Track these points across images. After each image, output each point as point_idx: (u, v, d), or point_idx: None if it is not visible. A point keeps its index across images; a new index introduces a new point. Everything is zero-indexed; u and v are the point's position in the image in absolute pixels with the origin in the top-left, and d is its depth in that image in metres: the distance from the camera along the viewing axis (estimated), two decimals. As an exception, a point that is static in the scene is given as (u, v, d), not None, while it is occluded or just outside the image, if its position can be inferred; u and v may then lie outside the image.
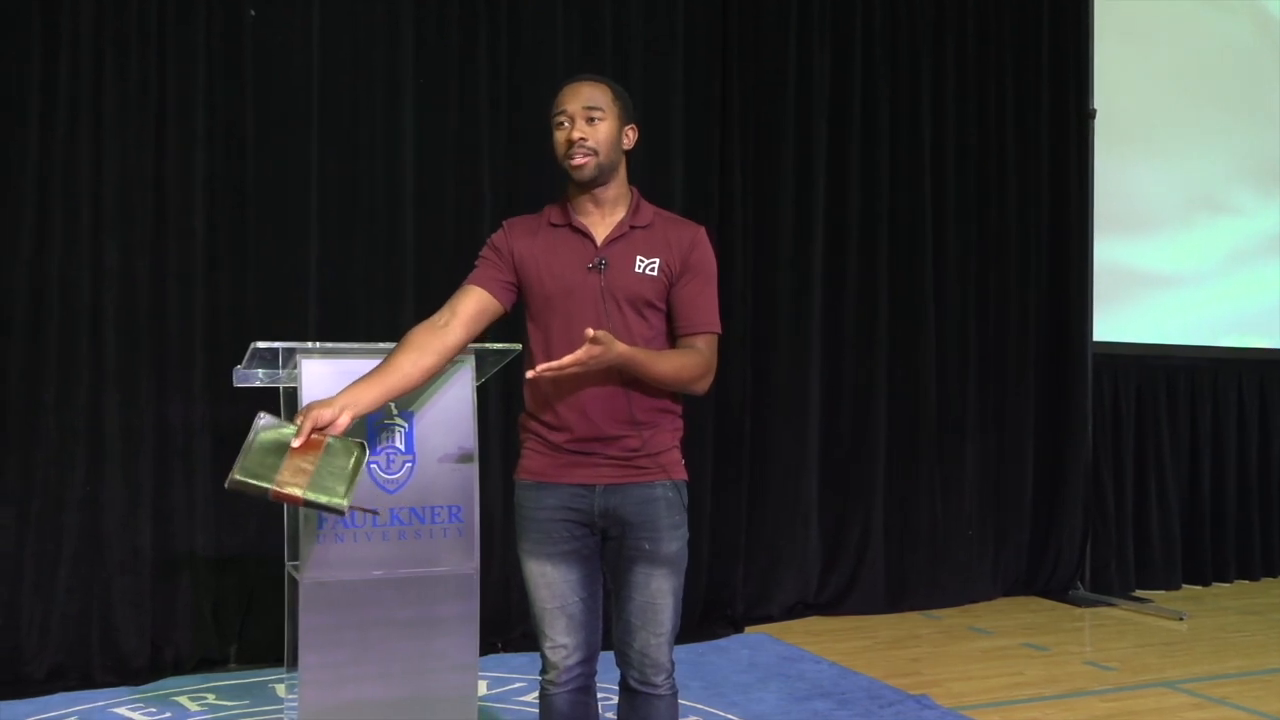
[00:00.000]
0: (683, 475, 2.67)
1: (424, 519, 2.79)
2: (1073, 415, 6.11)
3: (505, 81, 4.94)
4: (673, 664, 2.68)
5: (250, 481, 2.35)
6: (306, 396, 2.69)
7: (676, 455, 2.67)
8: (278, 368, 2.87)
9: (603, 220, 2.65)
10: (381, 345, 2.84)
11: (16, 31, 4.25)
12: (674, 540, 2.62)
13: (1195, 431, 6.61)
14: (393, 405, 2.75)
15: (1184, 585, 6.48)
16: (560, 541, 2.62)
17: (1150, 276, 6.49)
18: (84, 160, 4.32)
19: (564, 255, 2.62)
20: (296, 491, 2.37)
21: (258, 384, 2.98)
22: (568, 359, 2.40)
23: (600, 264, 2.58)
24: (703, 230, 2.71)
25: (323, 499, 2.39)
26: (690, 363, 2.59)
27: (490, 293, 2.67)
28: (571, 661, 2.67)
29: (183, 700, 4.12)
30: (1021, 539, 6.08)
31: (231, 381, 3.01)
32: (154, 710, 4.00)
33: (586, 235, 2.62)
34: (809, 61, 5.54)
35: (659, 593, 2.61)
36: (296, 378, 2.75)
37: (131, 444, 4.36)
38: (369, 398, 2.52)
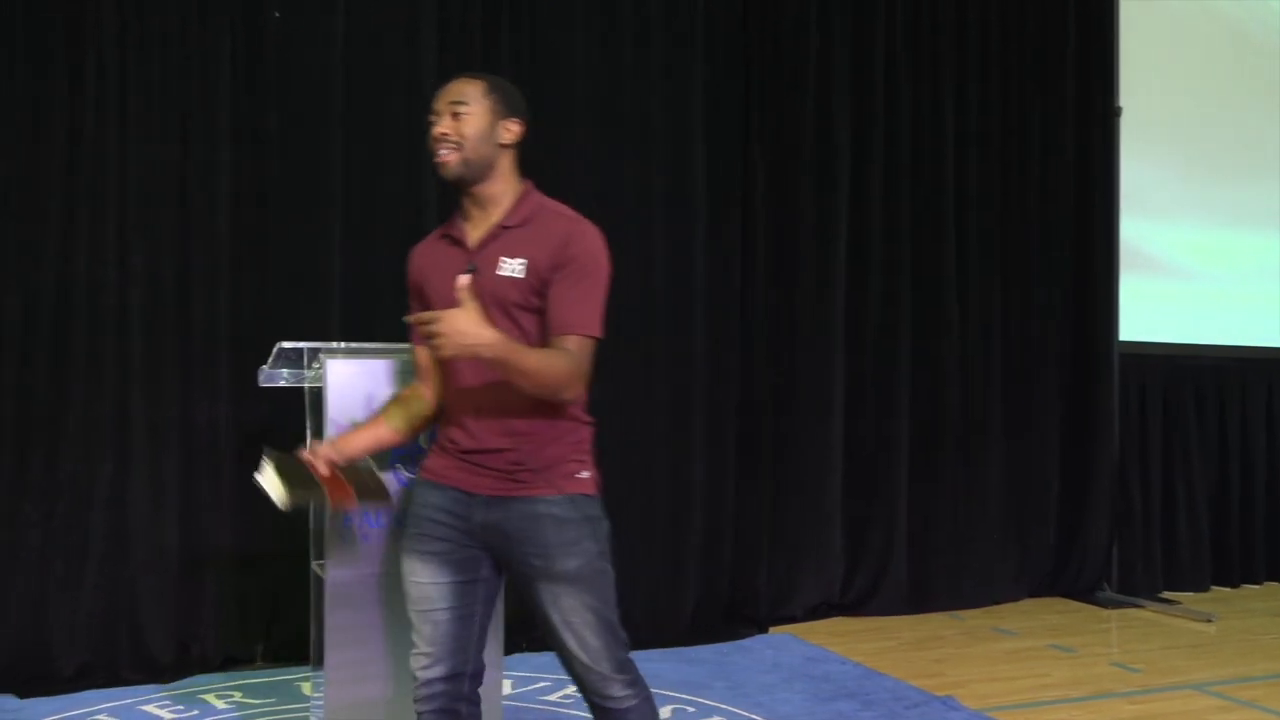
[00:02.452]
0: (578, 488, 2.49)
1: (449, 518, 2.79)
2: (1098, 415, 6.07)
3: (527, 82, 4.94)
4: (631, 675, 2.52)
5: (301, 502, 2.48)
6: (331, 396, 2.71)
7: (571, 468, 2.49)
8: (302, 367, 2.89)
9: (483, 222, 2.52)
10: (404, 345, 2.85)
11: (41, 34, 4.29)
12: (570, 557, 2.45)
13: (1224, 431, 6.55)
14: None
15: (1212, 587, 6.42)
16: (433, 541, 2.49)
17: (1177, 274, 6.44)
18: (110, 161, 4.35)
19: (443, 267, 2.52)
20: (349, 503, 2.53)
21: (282, 384, 3.00)
22: (434, 314, 2.31)
23: (470, 269, 2.44)
24: (584, 225, 2.52)
25: (371, 501, 2.57)
26: (554, 364, 2.38)
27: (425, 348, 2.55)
28: (431, 675, 2.50)
29: (210, 698, 4.14)
30: (1047, 540, 6.05)
31: (256, 381, 3.03)
32: (182, 708, 4.03)
33: (459, 242, 2.52)
34: (830, 57, 5.52)
35: (571, 611, 2.46)
36: (321, 377, 2.76)
37: (157, 443, 4.39)
38: (359, 444, 2.60)
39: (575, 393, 2.45)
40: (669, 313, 5.10)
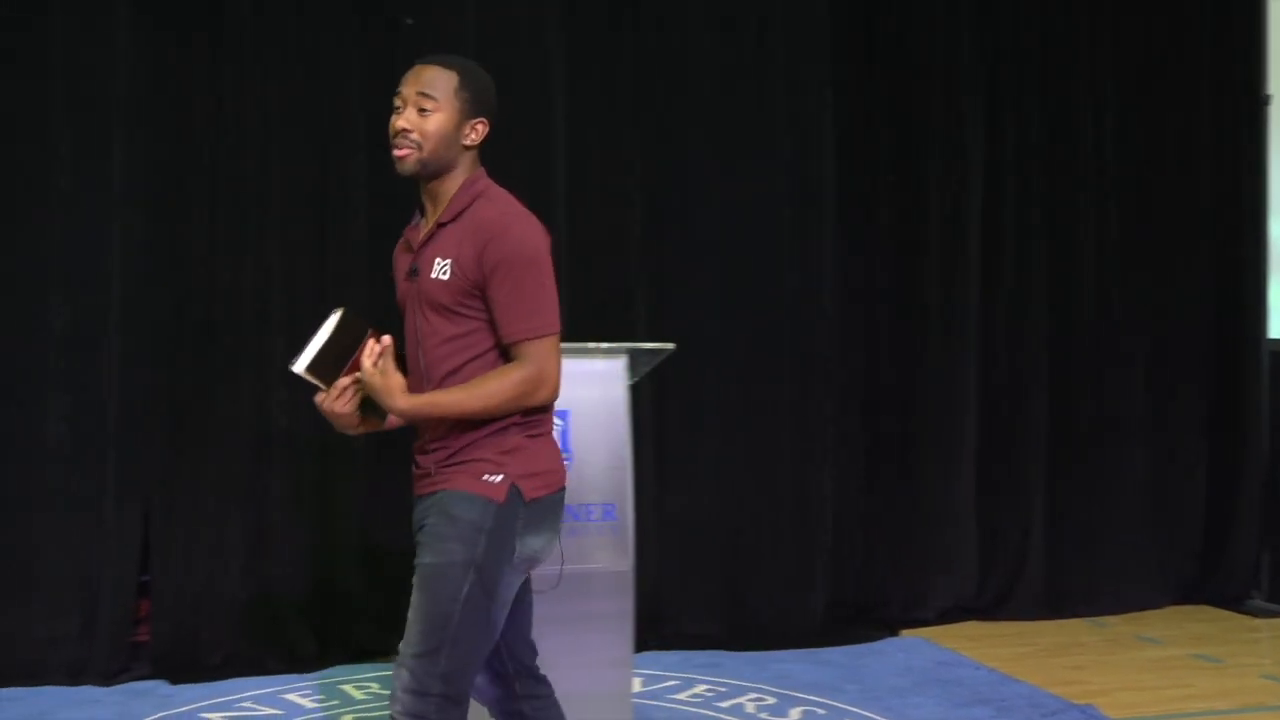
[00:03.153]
0: (482, 490, 2.30)
1: (579, 516, 2.83)
2: (1246, 414, 5.82)
3: (649, 81, 4.96)
4: (417, 694, 2.28)
5: (311, 379, 2.33)
6: (465, 395, 2.75)
7: (483, 468, 2.32)
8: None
9: (432, 217, 2.44)
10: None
11: (185, 48, 4.46)
12: (429, 552, 2.32)
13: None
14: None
15: (1371, 595, 6.12)
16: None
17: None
18: (250, 168, 4.51)
19: (398, 267, 2.50)
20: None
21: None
22: (364, 368, 2.29)
23: (412, 271, 2.40)
24: (508, 220, 2.35)
25: (366, 424, 2.45)
26: (501, 388, 2.28)
27: None
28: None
29: (348, 689, 4.25)
30: (1192, 544, 5.82)
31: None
32: (321, 698, 4.14)
33: (408, 242, 2.47)
34: (959, 47, 5.40)
35: (411, 607, 2.32)
36: (455, 377, 2.80)
37: (298, 442, 4.52)
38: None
39: (544, 395, 2.34)
40: (795, 313, 5.06)
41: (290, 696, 4.15)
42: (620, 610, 2.84)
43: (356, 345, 2.31)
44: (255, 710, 4.00)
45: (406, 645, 2.31)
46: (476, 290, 2.31)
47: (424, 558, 2.33)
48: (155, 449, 4.39)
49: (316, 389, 2.34)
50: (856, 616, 5.09)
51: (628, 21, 4.92)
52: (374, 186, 4.65)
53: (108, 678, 4.18)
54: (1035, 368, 5.50)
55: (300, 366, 2.30)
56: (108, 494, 4.32)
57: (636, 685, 4.09)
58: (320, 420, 4.49)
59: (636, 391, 3.05)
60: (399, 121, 2.38)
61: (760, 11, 5.07)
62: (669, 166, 4.97)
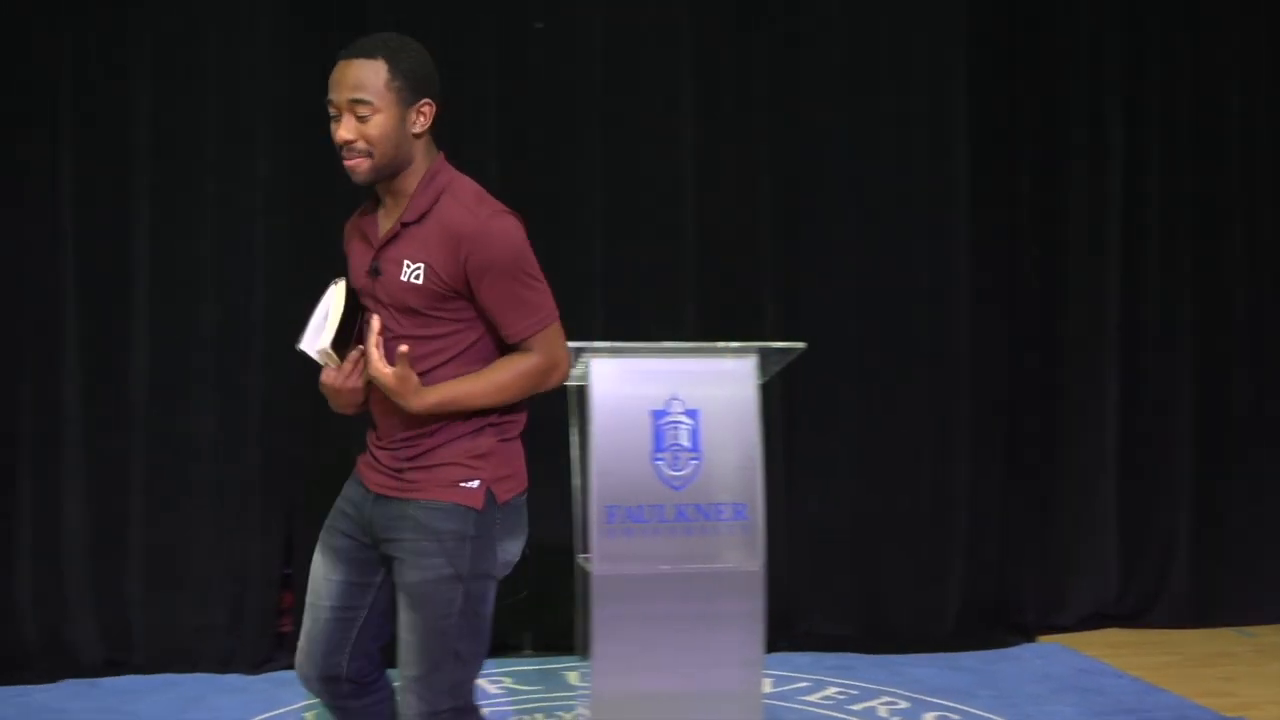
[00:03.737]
0: (459, 499, 2.25)
1: (709, 516, 2.83)
2: None
3: (782, 76, 4.93)
4: (429, 715, 2.25)
5: (328, 358, 2.28)
6: (596, 395, 2.78)
7: (455, 473, 2.27)
8: (568, 366, 2.97)
9: (392, 213, 2.33)
10: (665, 344, 2.90)
11: (328, 48, 4.57)
12: (415, 569, 2.23)
13: None
14: (680, 402, 2.79)
15: None
16: (336, 535, 2.38)
17: None
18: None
19: (355, 259, 2.39)
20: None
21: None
22: (375, 366, 2.22)
23: (374, 270, 2.29)
24: (485, 222, 2.26)
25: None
26: (513, 378, 2.26)
27: None
28: (305, 671, 2.38)
29: (482, 683, 4.31)
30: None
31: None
32: (455, 691, 4.22)
33: (367, 237, 2.35)
34: (1101, 42, 5.23)
35: (405, 626, 2.25)
36: (586, 376, 2.83)
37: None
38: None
39: (558, 378, 2.34)
40: (930, 309, 4.97)
41: (426, 689, 4.23)
42: (751, 610, 2.83)
43: (355, 318, 2.28)
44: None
45: (407, 667, 2.26)
46: (455, 294, 2.24)
47: (409, 576, 2.24)
48: (298, 446, 4.52)
49: (319, 366, 2.30)
50: (992, 621, 4.97)
51: (758, 20, 4.90)
52: (506, 187, 4.70)
53: (254, 666, 4.33)
54: (1181, 367, 5.30)
55: (322, 344, 2.24)
56: (254, 490, 4.48)
57: (767, 686, 4.08)
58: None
59: (766, 391, 3.03)
60: (341, 133, 2.25)
61: (896, 7, 5.00)
62: (800, 165, 4.93)
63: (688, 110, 4.84)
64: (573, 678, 4.29)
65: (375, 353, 2.23)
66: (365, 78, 2.24)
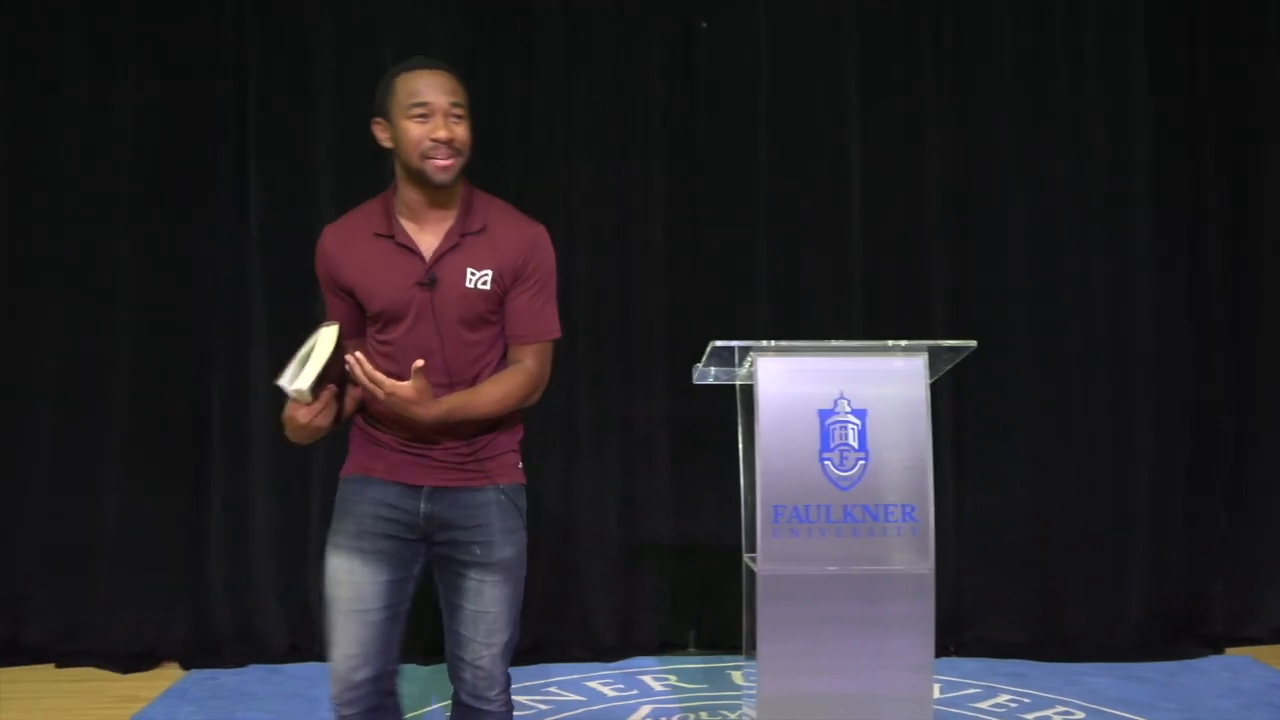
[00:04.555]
0: (516, 478, 2.55)
1: (877, 517, 2.79)
2: None
3: (950, 70, 4.82)
4: (508, 678, 2.54)
5: (305, 398, 2.32)
6: (762, 393, 2.77)
7: (512, 459, 2.55)
8: (734, 365, 2.97)
9: (434, 226, 2.45)
10: (834, 343, 2.87)
11: (499, 63, 4.70)
12: (508, 545, 2.49)
13: None
14: (848, 401, 2.76)
15: None
16: (376, 538, 2.46)
17: None
18: (556, 174, 4.70)
19: (391, 273, 2.43)
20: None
21: (710, 380, 3.11)
22: (389, 385, 2.28)
23: (430, 281, 2.41)
24: (541, 230, 2.53)
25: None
26: (512, 390, 2.45)
27: (352, 338, 2.50)
28: (359, 676, 2.46)
29: (648, 679, 4.36)
30: None
31: (689, 378, 3.16)
32: (622, 687, 4.27)
33: (413, 250, 2.44)
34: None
35: (492, 601, 2.47)
36: (752, 375, 2.83)
37: (600, 437, 4.68)
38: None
39: (538, 396, 2.52)
40: (1110, 308, 4.80)
41: (593, 684, 4.30)
42: (920, 614, 2.77)
43: (338, 359, 2.33)
44: (560, 695, 4.17)
45: (499, 634, 2.49)
46: (503, 297, 2.46)
47: (502, 552, 2.48)
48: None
49: (287, 400, 2.35)
50: (1176, 630, 4.77)
51: (925, 12, 4.80)
52: (670, 187, 4.75)
53: (427, 656, 4.46)
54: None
55: (300, 384, 2.29)
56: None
57: (936, 692, 4.00)
58: (622, 415, 4.67)
59: (935, 390, 2.97)
60: (443, 132, 2.38)
61: (1069, -2, 4.84)
62: (970, 158, 4.82)
63: (854, 106, 4.78)
64: (737, 677, 4.29)
65: (378, 375, 2.29)
66: (459, 89, 2.44)
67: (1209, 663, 4.61)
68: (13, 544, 4.61)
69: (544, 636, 4.60)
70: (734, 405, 3.03)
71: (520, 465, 2.59)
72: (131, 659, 4.48)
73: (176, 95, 4.62)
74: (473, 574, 2.48)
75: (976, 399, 4.74)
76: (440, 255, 2.43)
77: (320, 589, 2.60)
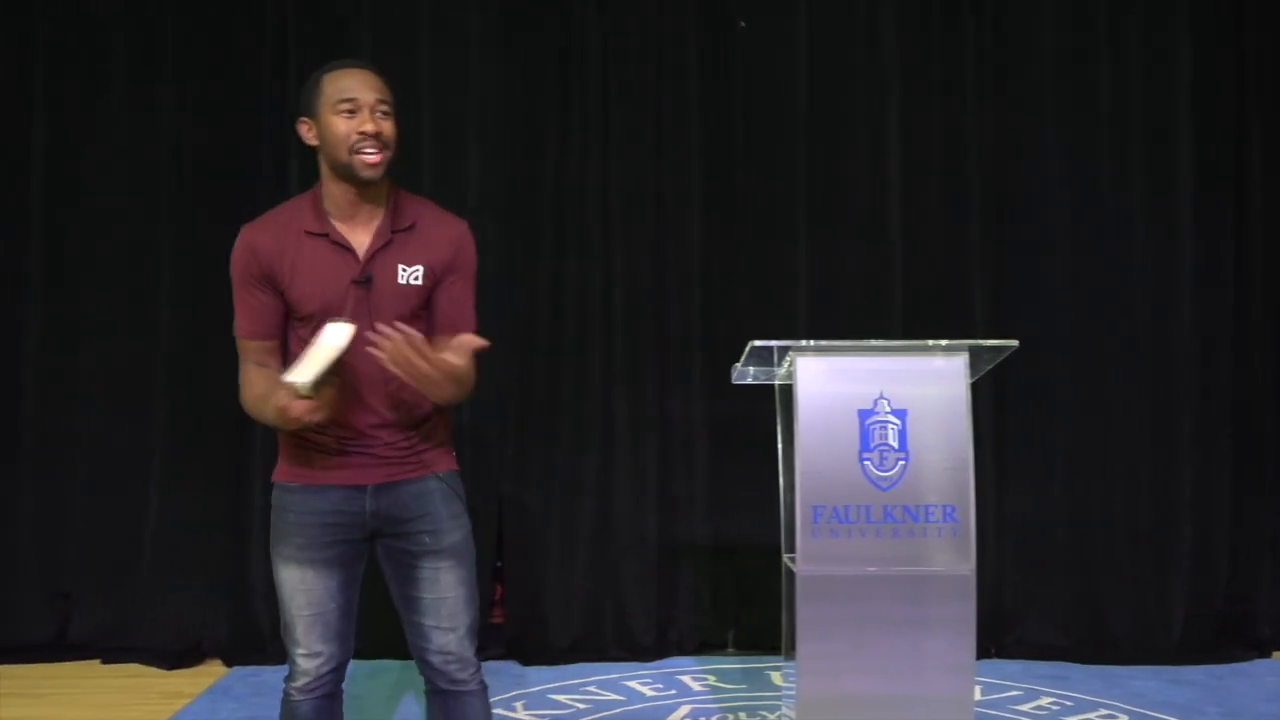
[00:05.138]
0: (453, 466, 2.60)
1: (917, 518, 2.77)
2: None
3: (991, 69, 4.79)
4: (478, 659, 2.58)
5: (306, 389, 2.29)
6: (801, 392, 2.76)
7: (447, 448, 2.60)
8: (772, 365, 2.96)
9: (364, 224, 2.47)
10: (874, 342, 2.85)
11: (540, 62, 4.71)
12: (456, 530, 2.54)
13: None
14: (888, 401, 2.74)
15: None
16: (325, 547, 2.49)
17: None
18: (592, 174, 4.70)
19: (323, 271, 2.44)
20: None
21: (748, 381, 3.10)
22: (450, 359, 2.30)
23: (366, 279, 2.43)
24: (466, 225, 2.57)
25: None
26: (469, 369, 2.41)
27: (266, 338, 2.50)
28: (326, 670, 2.52)
29: (686, 679, 4.36)
30: None
31: (727, 378, 3.15)
32: (660, 686, 4.27)
33: (345, 247, 2.45)
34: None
35: (448, 585, 2.52)
36: (791, 375, 2.81)
37: (639, 436, 4.67)
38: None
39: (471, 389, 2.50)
40: (1152, 307, 4.74)
41: (631, 684, 4.30)
42: (961, 615, 2.75)
43: (340, 361, 2.33)
44: (599, 695, 4.17)
45: (461, 617, 2.53)
46: (432, 291, 2.49)
47: (450, 538, 2.53)
48: (508, 443, 4.65)
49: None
50: (1222, 633, 4.71)
51: (965, 9, 4.77)
52: (708, 186, 4.74)
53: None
54: None
55: (304, 379, 2.28)
56: (467, 484, 4.62)
57: (977, 694, 3.97)
58: (660, 415, 4.66)
59: (976, 390, 2.95)
60: (370, 125, 2.41)
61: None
62: (1010, 157, 4.78)
63: (894, 105, 4.75)
64: (776, 678, 4.28)
65: (417, 358, 2.29)
66: (383, 86, 2.47)
67: (1255, 666, 4.55)
68: (58, 542, 4.66)
69: (582, 636, 4.61)
70: (773, 405, 3.02)
71: (454, 454, 2.64)
72: (175, 655, 4.52)
73: (218, 96, 4.67)
74: (425, 563, 2.52)
75: (1018, 399, 4.70)
76: (374, 253, 2.46)
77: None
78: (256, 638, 4.60)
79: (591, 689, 4.24)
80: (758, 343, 2.85)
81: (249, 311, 2.51)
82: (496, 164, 4.70)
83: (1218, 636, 4.69)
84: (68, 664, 4.54)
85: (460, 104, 4.69)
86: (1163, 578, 4.70)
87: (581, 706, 4.04)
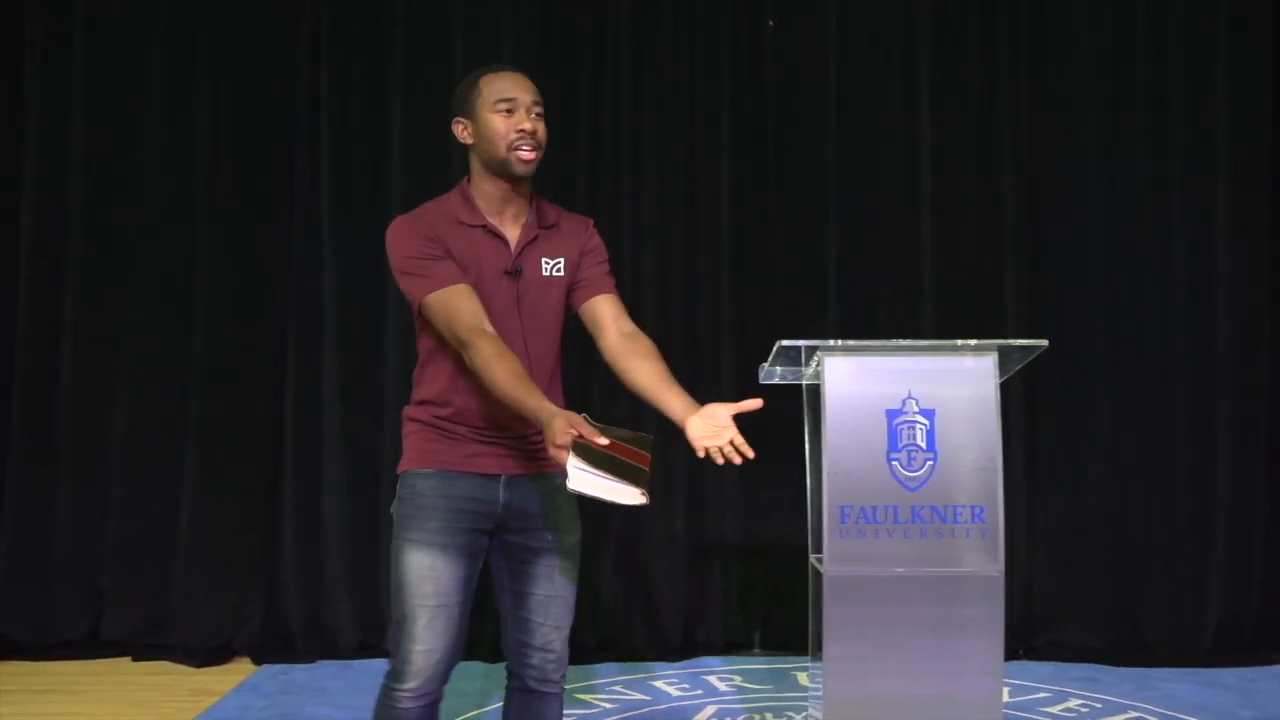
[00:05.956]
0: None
1: (945, 518, 2.75)
2: None
3: (1026, 68, 4.76)
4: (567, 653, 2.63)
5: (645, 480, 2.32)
6: (829, 392, 2.75)
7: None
8: (801, 365, 2.95)
9: (513, 220, 2.56)
10: (902, 342, 2.84)
11: (569, 61, 4.72)
12: (575, 530, 2.60)
13: None
14: (916, 401, 2.73)
15: None
16: (458, 534, 2.49)
17: None
18: (624, 172, 4.72)
19: (479, 259, 2.51)
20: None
21: (775, 380, 3.09)
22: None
23: (517, 270, 2.52)
24: (593, 222, 2.70)
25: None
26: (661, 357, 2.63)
27: (470, 285, 2.48)
28: (437, 670, 2.48)
29: (713, 679, 4.35)
30: None
31: (755, 378, 3.14)
32: (687, 686, 4.27)
33: (500, 238, 2.54)
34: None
35: (563, 585, 2.57)
36: (819, 374, 2.81)
37: (667, 436, 4.65)
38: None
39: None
40: (1188, 307, 4.70)
41: (658, 684, 4.30)
42: (990, 616, 2.73)
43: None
44: (625, 695, 4.18)
45: (569, 616, 2.60)
46: (571, 283, 2.60)
47: (570, 538, 2.59)
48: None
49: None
50: (1257, 636, 4.67)
51: (1002, 10, 4.74)
52: (739, 186, 4.74)
53: (494, 654, 4.49)
54: None
55: (637, 496, 2.33)
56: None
57: (1005, 695, 3.95)
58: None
59: (1007, 390, 2.93)
60: (528, 124, 2.51)
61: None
62: (1045, 155, 4.75)
63: (926, 103, 4.73)
64: (803, 678, 4.27)
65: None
66: (537, 89, 2.57)
67: (1289, 669, 4.50)
68: (92, 540, 4.71)
69: (610, 635, 4.61)
70: (801, 405, 3.01)
71: None
72: (206, 653, 4.56)
73: (254, 101, 4.71)
74: (544, 559, 2.56)
75: (1050, 399, 4.68)
76: (524, 245, 2.56)
77: (388, 584, 2.61)
78: (286, 636, 4.63)
79: (618, 688, 4.25)
80: (785, 342, 2.84)
81: (438, 267, 2.47)
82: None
83: (1252, 639, 4.65)
84: (100, 661, 4.59)
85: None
86: (1196, 580, 4.66)
87: (608, 705, 4.05)
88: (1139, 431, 4.69)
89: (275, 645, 4.61)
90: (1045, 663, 4.50)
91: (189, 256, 4.72)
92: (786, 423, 3.31)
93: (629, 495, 2.33)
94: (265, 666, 4.52)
